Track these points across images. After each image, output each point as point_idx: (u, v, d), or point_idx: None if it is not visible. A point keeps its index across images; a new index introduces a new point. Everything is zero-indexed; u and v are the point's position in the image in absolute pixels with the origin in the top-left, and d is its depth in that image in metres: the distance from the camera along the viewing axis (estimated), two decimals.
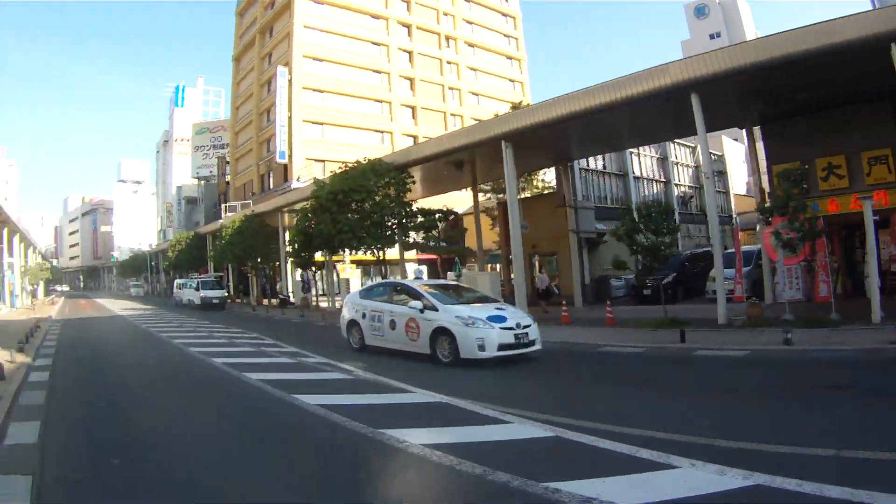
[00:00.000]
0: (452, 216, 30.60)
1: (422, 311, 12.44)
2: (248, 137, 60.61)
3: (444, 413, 7.95)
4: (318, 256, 34.68)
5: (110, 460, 6.09)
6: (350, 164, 28.21)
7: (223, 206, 59.71)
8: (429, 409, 8.24)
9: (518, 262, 22.57)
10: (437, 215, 28.26)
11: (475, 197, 34.03)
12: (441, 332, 12.03)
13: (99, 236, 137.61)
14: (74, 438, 7.20)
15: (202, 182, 76.11)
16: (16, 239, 47.70)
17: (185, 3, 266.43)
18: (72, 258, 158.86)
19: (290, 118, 49.93)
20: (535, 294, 26.56)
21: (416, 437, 6.48)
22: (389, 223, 27.41)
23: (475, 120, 47.61)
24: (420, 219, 28.30)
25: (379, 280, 29.60)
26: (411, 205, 28.64)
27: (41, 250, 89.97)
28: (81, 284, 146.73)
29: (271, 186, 53.09)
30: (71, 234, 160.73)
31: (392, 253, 31.60)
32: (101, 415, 8.57)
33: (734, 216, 46.32)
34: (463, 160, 26.63)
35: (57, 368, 13.09)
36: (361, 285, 50.26)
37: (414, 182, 27.74)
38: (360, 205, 26.44)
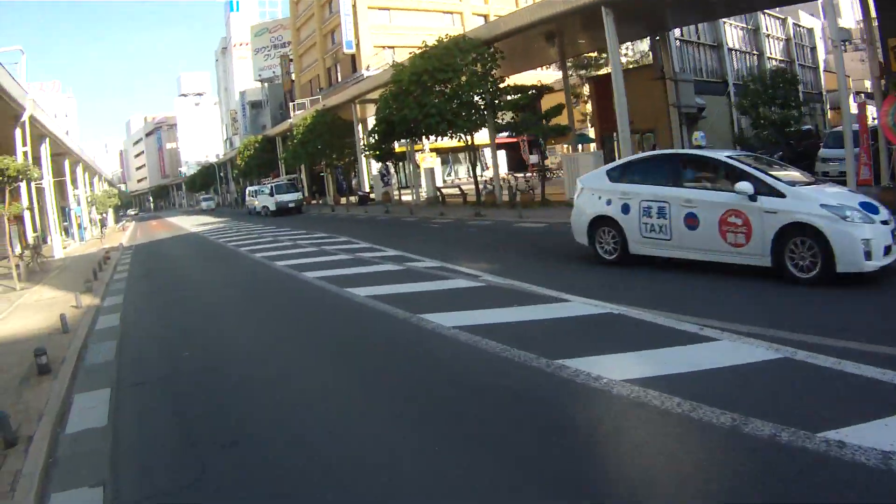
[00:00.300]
0: (547, 90, 27.65)
1: (753, 197, 7.70)
2: (310, 32, 58.05)
3: None
4: (397, 147, 32.91)
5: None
6: (428, 46, 25.73)
7: (291, 105, 57.81)
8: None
9: (625, 138, 20.25)
10: (530, 91, 25.52)
11: (564, 73, 31.40)
12: (795, 231, 7.41)
13: (165, 154, 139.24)
14: (158, 419, 5.22)
15: (265, 84, 74.46)
16: (79, 170, 47.09)
17: None
18: (139, 180, 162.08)
19: (354, 5, 47.09)
20: None
21: None
22: (479, 103, 25.06)
23: None
24: (511, 97, 25.62)
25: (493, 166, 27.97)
26: (502, 81, 26.12)
27: (108, 177, 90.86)
28: (151, 206, 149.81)
29: (339, 79, 51.01)
30: (136, 156, 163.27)
31: (480, 137, 29.31)
32: (189, 377, 6.35)
33: (824, 93, 43.76)
34: (553, 31, 24.10)
35: (128, 308, 11.26)
36: (444, 174, 47.98)
37: (504, 57, 25.07)
38: (446, 85, 24.20)
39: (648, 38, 29.52)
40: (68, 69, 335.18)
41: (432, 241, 15.62)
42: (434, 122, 24.02)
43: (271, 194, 37.77)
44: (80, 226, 40.19)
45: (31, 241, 23.70)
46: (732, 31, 38.91)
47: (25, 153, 22.95)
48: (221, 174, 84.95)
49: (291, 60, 65.35)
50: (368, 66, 44.86)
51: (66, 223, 40.86)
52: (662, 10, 23.01)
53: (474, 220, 20.23)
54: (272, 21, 78.74)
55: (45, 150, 29.35)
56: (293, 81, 64.68)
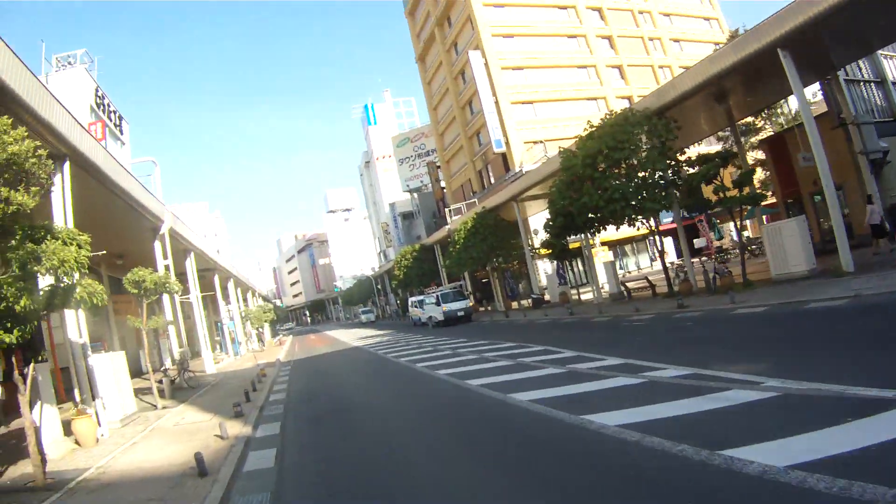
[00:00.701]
0: (733, 156, 25.86)
1: None
2: (454, 136, 59.97)
3: None
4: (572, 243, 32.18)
5: None
6: (594, 126, 24.78)
7: (446, 211, 58.89)
8: None
9: (832, 194, 18.31)
10: (715, 160, 23.66)
11: (737, 136, 30.19)
12: None
13: (318, 270, 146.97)
14: None
15: (415, 195, 77.37)
16: (230, 285, 49.78)
17: (346, 24, 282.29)
18: (294, 296, 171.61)
19: (496, 102, 47.92)
20: (872, 232, 21.84)
21: None
22: (661, 181, 23.29)
23: (683, 68, 42.40)
24: (691, 170, 23.50)
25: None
26: (682, 153, 24.87)
27: (262, 293, 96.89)
28: (308, 319, 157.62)
29: (492, 180, 51.58)
30: (290, 272, 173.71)
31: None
32: None
33: None
34: (725, 89, 22.68)
35: (287, 441, 9.87)
36: (617, 268, 47.01)
37: (679, 127, 23.59)
38: (622, 165, 23.01)
39: (818, 82, 27.36)
40: (216, 193, 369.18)
41: (651, 342, 14.03)
42: (619, 207, 22.69)
43: (437, 303, 37.29)
44: (234, 340, 41.65)
45: (177, 356, 23.48)
46: (890, 63, 35.85)
47: (167, 266, 23.16)
48: (378, 286, 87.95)
49: (439, 167, 67.42)
50: (521, 164, 45.24)
51: (218, 338, 42.86)
52: (837, 46, 21.09)
53: (681, 312, 18.05)
54: (412, 130, 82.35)
55: (191, 265, 30.68)
56: (443, 189, 66.43)
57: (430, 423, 10.11)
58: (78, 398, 12.79)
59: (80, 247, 8.70)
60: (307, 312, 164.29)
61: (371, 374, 19.26)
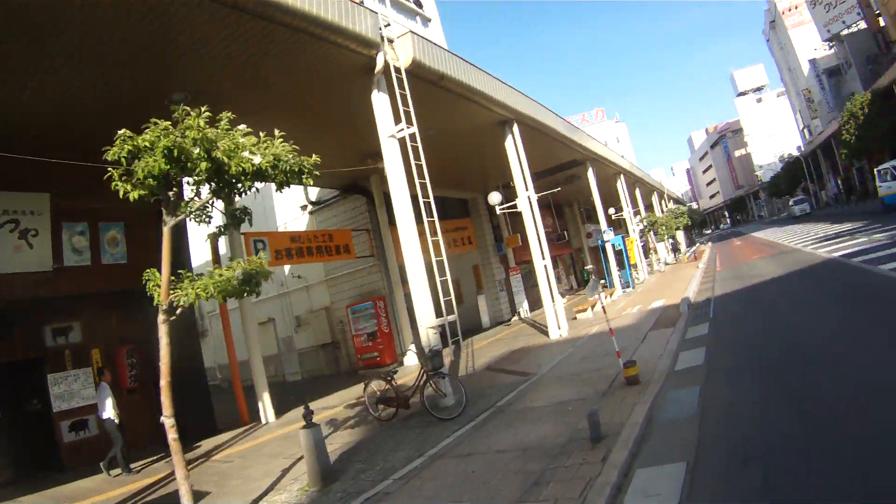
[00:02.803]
0: None
1: None
2: None
3: None
4: None
5: None
6: None
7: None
8: None
9: None
10: None
11: None
12: None
13: (734, 163, 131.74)
14: None
15: (841, 43, 60.56)
16: (638, 193, 43.35)
17: None
18: (711, 196, 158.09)
19: None
20: None
21: None
22: None
23: None
24: None
25: None
26: None
27: (674, 195, 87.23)
28: (728, 221, 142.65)
29: None
30: (704, 171, 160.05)
31: None
32: None
33: None
34: None
35: None
36: None
37: None
38: None
39: None
40: (619, 102, 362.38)
41: None
42: None
43: None
44: (623, 267, 31.38)
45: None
46: None
47: None
48: (810, 168, 72.67)
49: None
50: None
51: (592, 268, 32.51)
52: None
53: None
54: None
55: None
56: (878, 15, 49.73)
57: None
58: None
59: None
60: (727, 214, 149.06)
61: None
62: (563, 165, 29.26)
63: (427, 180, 12.88)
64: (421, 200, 12.67)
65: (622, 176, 36.35)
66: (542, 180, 26.82)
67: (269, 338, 27.46)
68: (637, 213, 43.30)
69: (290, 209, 26.72)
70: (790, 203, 73.00)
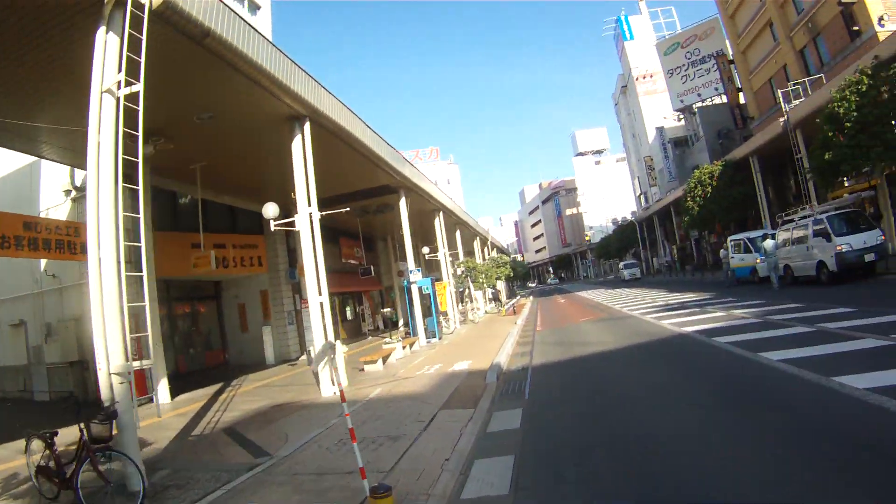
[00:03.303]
0: None
1: None
2: (754, 11, 43.14)
3: None
4: None
5: None
6: None
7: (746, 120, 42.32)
8: None
9: None
10: None
11: None
12: None
13: (564, 221, 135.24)
14: None
15: (692, 115, 61.90)
16: (458, 235, 39.80)
17: None
18: (537, 251, 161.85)
19: None
20: None
21: None
22: None
23: None
24: None
25: None
26: None
27: (498, 244, 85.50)
28: (551, 277, 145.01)
29: (824, 60, 35.36)
30: (533, 226, 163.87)
31: None
32: None
33: None
34: None
35: None
36: None
37: None
38: None
39: None
40: (456, 146, 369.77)
41: None
42: None
43: (826, 236, 19.94)
44: (430, 313, 26.30)
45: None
46: None
47: None
48: (642, 234, 73.94)
49: (731, 62, 51.03)
50: (884, 18, 29.01)
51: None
52: None
53: None
54: (682, 32, 64.78)
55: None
56: (739, 90, 50.66)
57: None
58: None
59: None
60: (551, 269, 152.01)
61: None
62: (374, 190, 24.96)
63: (140, 159, 8.24)
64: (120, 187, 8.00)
65: (441, 213, 32.31)
66: (351, 204, 22.80)
67: (19, 344, 22.02)
68: (455, 256, 39.87)
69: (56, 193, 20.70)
70: (620, 266, 73.00)
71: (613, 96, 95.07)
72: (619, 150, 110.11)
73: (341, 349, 15.13)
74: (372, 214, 26.54)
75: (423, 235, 34.60)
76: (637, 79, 78.75)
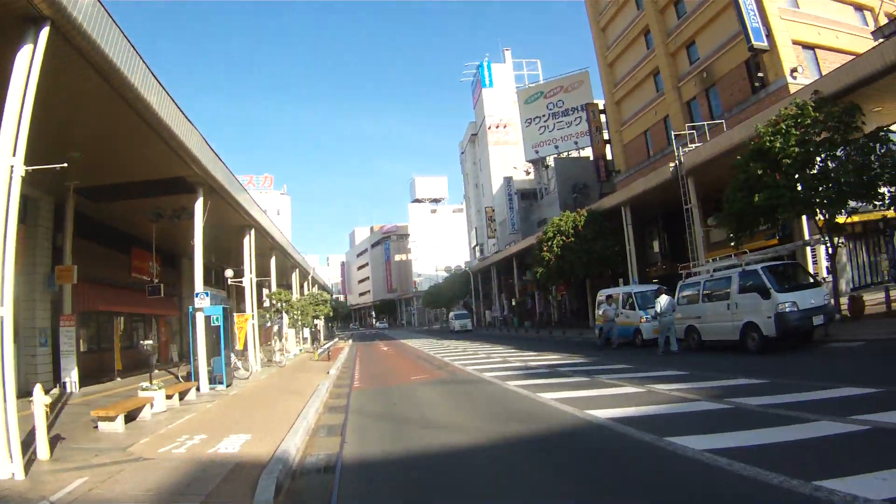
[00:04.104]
0: None
1: None
2: (637, 59, 42.45)
3: None
4: None
5: None
6: None
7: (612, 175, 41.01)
8: None
9: None
10: None
11: None
12: None
13: (393, 266, 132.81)
14: None
15: (547, 164, 61.17)
16: (273, 262, 34.29)
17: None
18: (361, 294, 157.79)
19: None
20: None
21: None
22: None
23: None
24: None
25: None
26: None
27: (321, 281, 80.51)
28: (374, 321, 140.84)
29: (714, 113, 33.76)
30: (360, 268, 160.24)
31: None
32: None
33: None
34: None
35: None
36: None
37: None
38: None
39: None
40: (290, 178, 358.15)
41: None
42: None
43: (762, 293, 15.95)
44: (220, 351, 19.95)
45: None
46: None
47: None
48: (475, 286, 71.89)
49: (602, 111, 50.04)
50: (795, 71, 28.14)
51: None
52: None
53: None
54: (549, 83, 63.99)
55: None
56: (607, 142, 49.48)
57: None
58: None
59: None
60: (373, 313, 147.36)
61: None
62: (166, 184, 18.56)
63: None
64: None
65: (253, 231, 26.31)
66: (141, 201, 20.28)
67: None
68: (266, 285, 34.80)
69: None
70: (451, 316, 68.90)
71: (461, 144, 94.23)
72: (457, 201, 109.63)
73: (41, 399, 8.72)
74: (169, 219, 21.16)
75: (233, 257, 28.73)
76: (490, 127, 77.92)
